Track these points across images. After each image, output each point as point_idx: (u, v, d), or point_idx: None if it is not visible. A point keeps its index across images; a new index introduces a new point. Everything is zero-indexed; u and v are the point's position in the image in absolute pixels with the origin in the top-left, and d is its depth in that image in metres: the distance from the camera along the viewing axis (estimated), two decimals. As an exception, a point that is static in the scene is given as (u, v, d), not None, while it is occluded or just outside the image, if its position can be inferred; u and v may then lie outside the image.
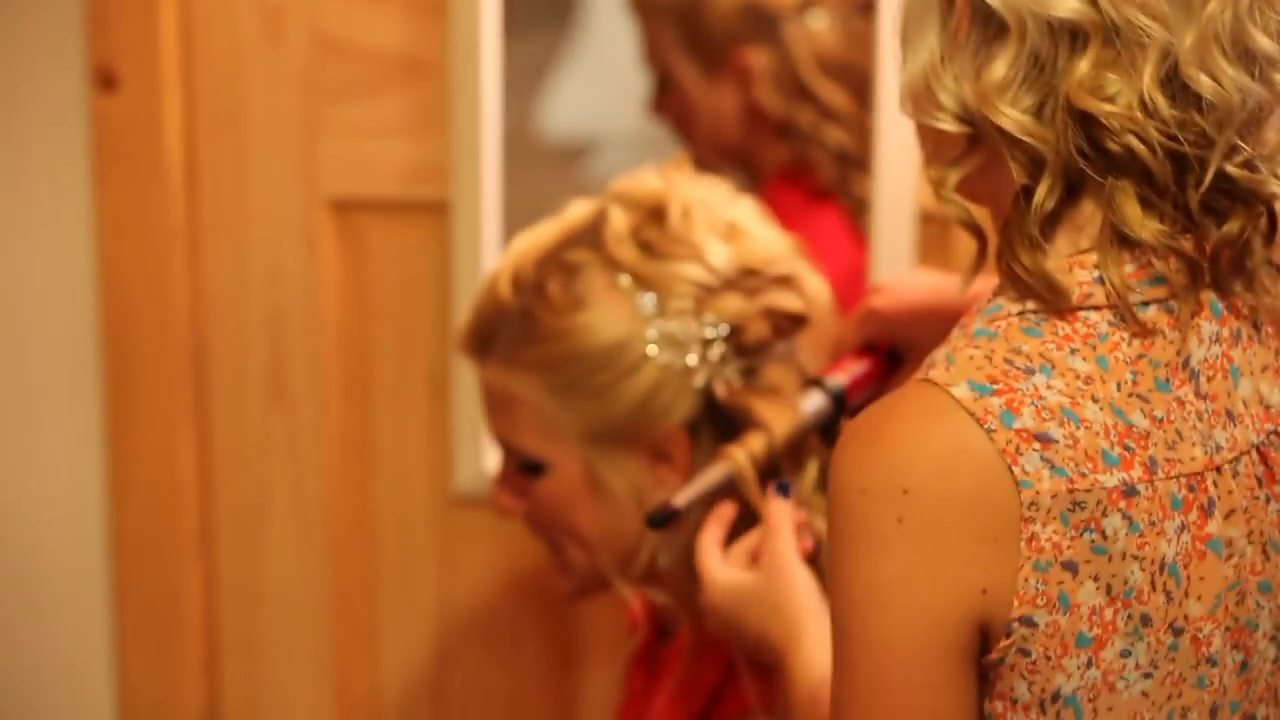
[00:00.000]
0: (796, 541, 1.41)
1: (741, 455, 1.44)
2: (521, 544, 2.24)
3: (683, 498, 1.42)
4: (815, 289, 1.53)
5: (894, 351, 1.51)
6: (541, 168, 2.55)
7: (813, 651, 1.34)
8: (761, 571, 1.41)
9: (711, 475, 1.44)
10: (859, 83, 2.27)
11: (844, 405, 1.47)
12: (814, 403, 1.47)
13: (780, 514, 1.41)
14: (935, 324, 1.39)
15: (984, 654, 1.15)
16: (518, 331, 1.51)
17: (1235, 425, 1.19)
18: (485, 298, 1.55)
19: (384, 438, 2.25)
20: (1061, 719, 1.16)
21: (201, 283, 2.23)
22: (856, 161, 2.33)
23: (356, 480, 2.27)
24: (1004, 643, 1.14)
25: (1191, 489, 1.16)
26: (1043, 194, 1.16)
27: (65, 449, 2.29)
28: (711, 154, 2.29)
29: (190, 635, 2.30)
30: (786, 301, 1.50)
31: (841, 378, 1.48)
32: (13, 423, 2.29)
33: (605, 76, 2.61)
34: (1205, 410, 1.18)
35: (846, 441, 1.16)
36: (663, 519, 1.42)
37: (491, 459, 2.16)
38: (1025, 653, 1.14)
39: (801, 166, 2.33)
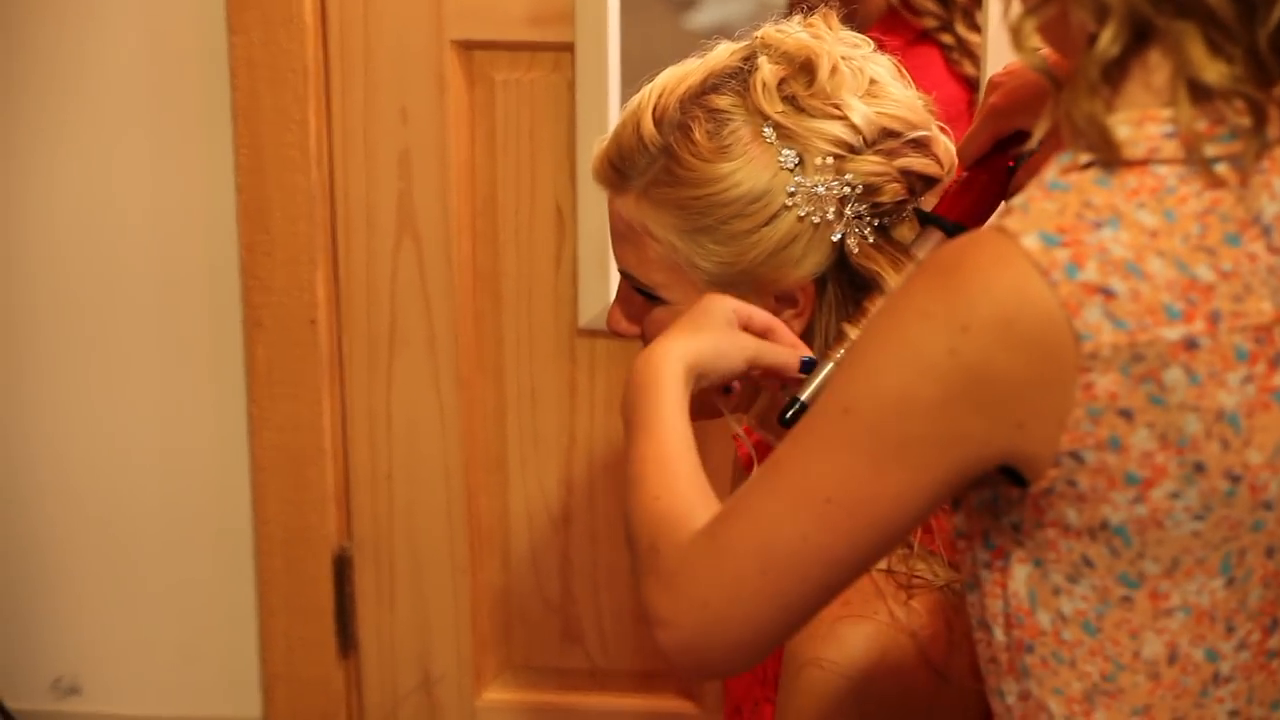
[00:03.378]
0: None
1: (856, 334, 1.44)
2: (644, 375, 2.30)
3: (808, 391, 1.43)
4: (946, 150, 1.53)
5: (1023, 138, 1.49)
6: (648, 16, 2.58)
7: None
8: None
9: (831, 359, 1.45)
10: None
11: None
12: (932, 245, 1.47)
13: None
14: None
15: (1029, 483, 1.19)
16: (659, 169, 1.51)
17: None
18: (627, 130, 1.53)
19: (511, 272, 2.30)
20: (1112, 546, 1.19)
21: (333, 123, 2.27)
22: (960, 6, 2.36)
23: (484, 313, 2.32)
24: (1052, 471, 1.16)
25: (1259, 341, 1.16)
26: (1107, 39, 1.17)
27: (202, 283, 2.34)
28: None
29: (324, 466, 2.35)
30: (921, 164, 1.50)
31: (959, 210, 1.49)
32: (153, 262, 2.34)
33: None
34: (1278, 264, 1.17)
35: (922, 268, 1.20)
36: (795, 416, 1.43)
37: (615, 294, 2.21)
38: (1072, 483, 1.17)
39: (906, 9, 2.36)
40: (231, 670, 2.44)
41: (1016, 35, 1.21)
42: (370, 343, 2.33)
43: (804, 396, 1.43)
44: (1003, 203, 1.51)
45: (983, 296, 1.14)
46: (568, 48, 2.20)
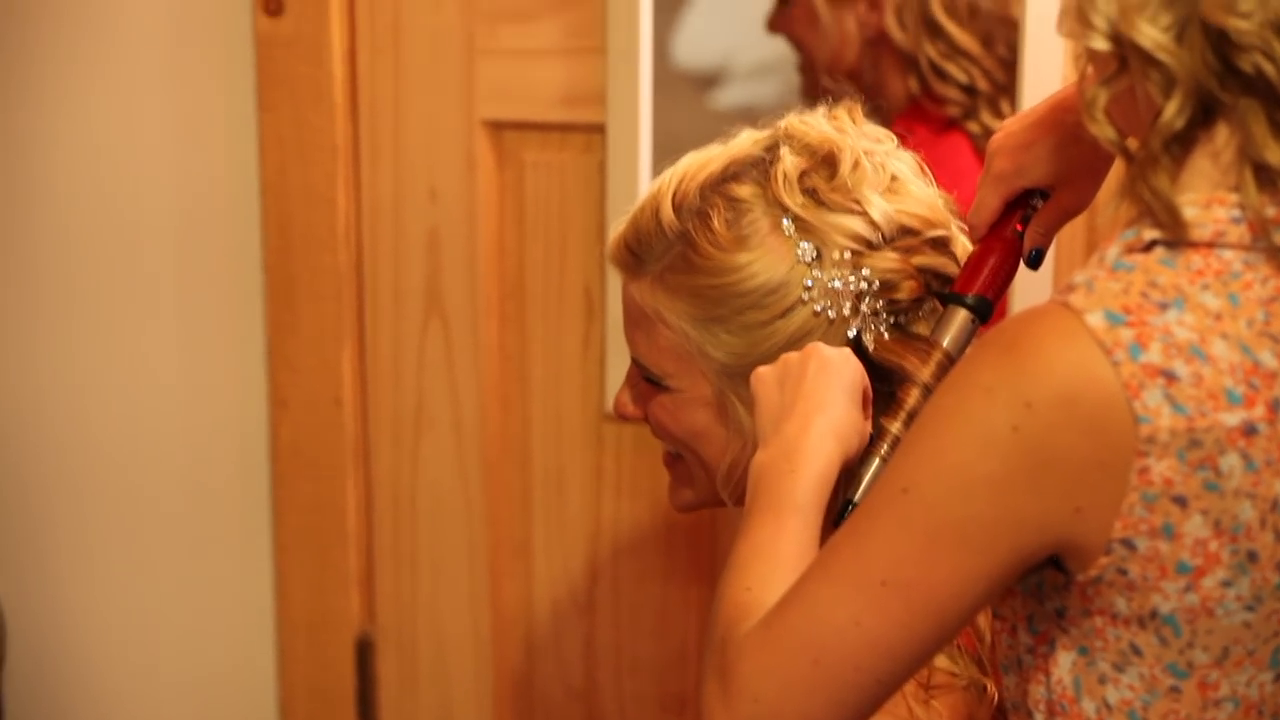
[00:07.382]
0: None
1: (896, 427, 1.42)
2: (672, 460, 2.28)
3: (859, 490, 1.40)
4: (965, 249, 1.52)
5: (1036, 198, 1.48)
6: (677, 96, 2.57)
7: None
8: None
9: (876, 455, 1.42)
10: (986, 23, 2.28)
11: (989, 309, 1.47)
12: (956, 325, 1.46)
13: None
14: (1067, 148, 1.41)
15: (1080, 571, 1.17)
16: (676, 256, 1.49)
17: None
18: (645, 215, 1.52)
19: (538, 354, 2.28)
20: (1161, 635, 1.19)
21: (362, 202, 2.26)
22: (985, 95, 2.35)
23: (511, 396, 2.30)
24: (1103, 560, 1.16)
25: None
26: (1172, 111, 1.17)
27: (230, 363, 2.32)
28: (832, 78, 2.30)
29: (348, 548, 2.33)
30: (939, 263, 1.49)
31: (977, 284, 1.47)
32: (180, 339, 2.33)
33: (733, 6, 2.62)
34: None
35: (985, 342, 1.19)
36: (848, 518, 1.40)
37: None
38: (1123, 572, 1.16)
39: (929, 99, 2.35)
40: (251, 754, 2.43)
41: (1090, 108, 1.21)
42: (395, 424, 2.31)
43: (855, 497, 1.40)
44: (1020, 262, 1.49)
45: (1046, 373, 1.14)
46: (599, 129, 2.19)
